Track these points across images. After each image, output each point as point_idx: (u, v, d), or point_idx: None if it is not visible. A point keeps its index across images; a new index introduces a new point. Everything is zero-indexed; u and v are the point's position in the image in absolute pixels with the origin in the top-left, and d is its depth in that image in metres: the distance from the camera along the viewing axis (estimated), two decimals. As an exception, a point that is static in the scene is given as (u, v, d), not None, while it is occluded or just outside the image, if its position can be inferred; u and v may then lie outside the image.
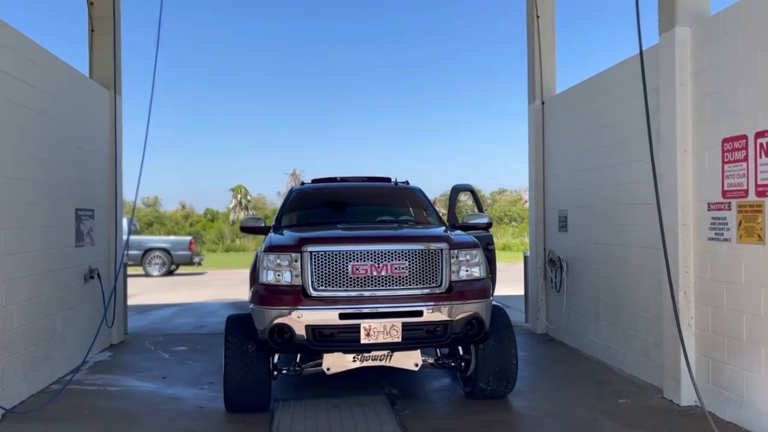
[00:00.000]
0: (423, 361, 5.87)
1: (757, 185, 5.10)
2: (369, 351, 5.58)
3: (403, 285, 5.48)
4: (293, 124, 75.78)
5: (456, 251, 5.66)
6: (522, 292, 11.32)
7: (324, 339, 5.38)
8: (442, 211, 8.55)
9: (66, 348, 7.32)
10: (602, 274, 7.84)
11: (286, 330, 5.34)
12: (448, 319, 5.45)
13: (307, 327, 5.31)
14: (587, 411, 5.92)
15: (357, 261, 5.43)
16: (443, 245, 5.63)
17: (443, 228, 6.71)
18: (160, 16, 7.49)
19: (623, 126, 7.24)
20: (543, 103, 9.68)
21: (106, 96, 8.96)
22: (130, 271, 16.48)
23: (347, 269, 5.42)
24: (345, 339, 5.40)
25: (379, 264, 5.44)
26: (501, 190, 57.91)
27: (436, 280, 5.55)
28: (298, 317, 5.32)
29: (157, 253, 22.28)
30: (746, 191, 5.20)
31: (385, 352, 5.65)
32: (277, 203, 56.74)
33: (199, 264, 23.72)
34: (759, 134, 5.08)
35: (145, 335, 10.03)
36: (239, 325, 5.88)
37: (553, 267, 9.17)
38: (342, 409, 5.97)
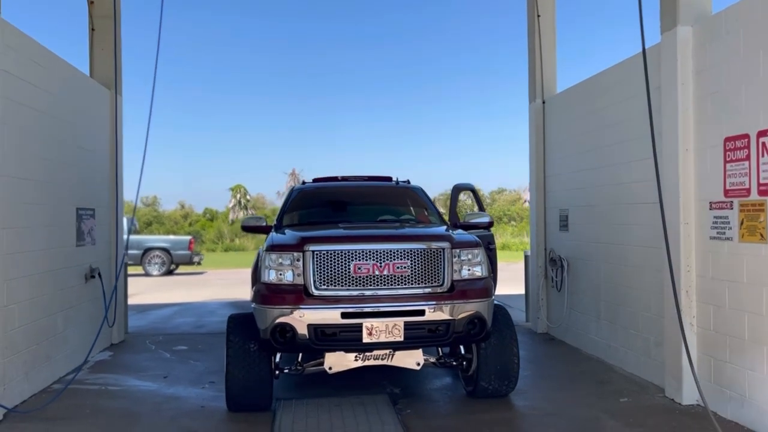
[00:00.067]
0: (425, 360, 5.88)
1: (759, 184, 5.10)
2: (371, 350, 5.57)
3: (405, 284, 5.48)
4: (293, 124, 75.87)
5: (458, 250, 5.66)
6: (522, 292, 11.32)
7: (326, 338, 5.38)
8: (442, 210, 8.56)
9: (67, 347, 7.32)
10: (603, 274, 7.84)
11: (288, 329, 5.34)
12: (450, 318, 5.46)
13: (309, 326, 5.31)
14: (588, 410, 5.92)
15: (359, 260, 5.43)
16: (445, 244, 5.63)
17: (444, 227, 6.71)
18: (161, 16, 7.46)
19: (624, 125, 7.24)
20: (544, 103, 9.68)
21: (106, 95, 8.95)
22: (130, 270, 16.48)
23: (349, 268, 5.42)
24: (347, 338, 5.39)
25: (381, 263, 5.44)
26: (500, 190, 57.96)
27: (438, 280, 5.55)
28: (300, 316, 5.32)
29: (157, 252, 22.27)
30: (748, 190, 5.21)
31: (387, 352, 5.65)
32: (277, 203, 56.84)
33: (199, 263, 23.71)
34: (761, 133, 5.08)
35: (146, 335, 10.02)
36: (241, 324, 5.88)
37: (553, 266, 9.17)
38: (344, 408, 5.97)
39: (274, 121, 75.87)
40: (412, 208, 7.72)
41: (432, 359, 6.16)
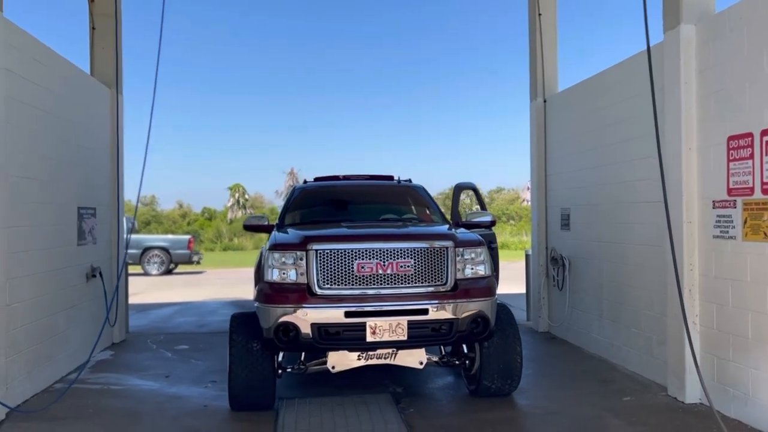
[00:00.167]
0: (427, 359, 5.87)
1: (762, 183, 5.10)
2: (374, 349, 5.57)
3: (408, 283, 5.47)
4: (292, 124, 75.90)
5: (461, 249, 5.66)
6: (522, 291, 11.33)
7: (329, 337, 5.37)
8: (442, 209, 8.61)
9: (69, 347, 7.30)
10: (605, 272, 7.84)
11: (291, 328, 5.33)
12: (454, 317, 5.45)
13: (313, 325, 5.30)
14: (591, 409, 5.92)
15: (362, 259, 5.42)
16: (448, 243, 5.62)
17: (447, 226, 6.71)
18: (162, 15, 7.44)
19: (626, 124, 7.24)
20: (545, 101, 9.68)
21: (107, 94, 8.93)
22: (129, 270, 16.44)
23: (353, 267, 5.41)
24: (350, 337, 5.39)
25: (384, 262, 5.43)
26: (499, 189, 58.01)
27: (442, 279, 5.54)
28: (304, 315, 5.31)
29: (156, 251, 22.25)
30: (752, 189, 5.21)
31: (390, 351, 5.65)
32: (275, 202, 56.86)
33: (198, 263, 23.68)
34: (765, 132, 5.08)
35: (147, 334, 10.01)
36: (244, 323, 5.87)
37: (555, 265, 9.17)
38: (346, 407, 5.96)
39: (273, 120, 75.92)
40: (414, 207, 7.71)
41: (435, 358, 6.16)
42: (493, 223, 7.22)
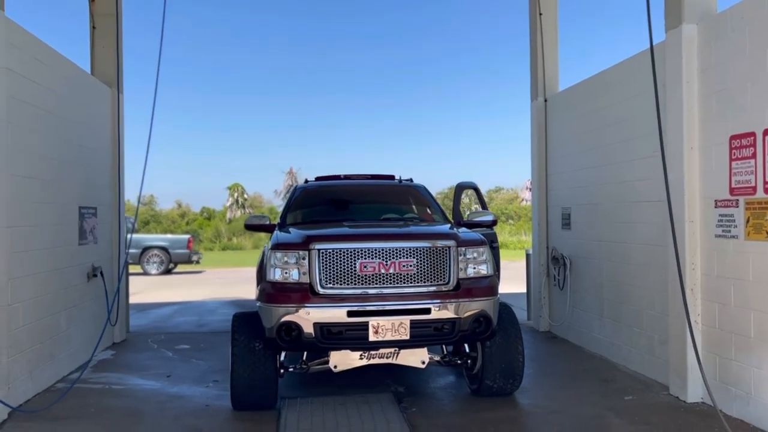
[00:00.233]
0: (429, 358, 5.87)
1: (765, 182, 5.10)
2: (377, 349, 5.57)
3: (410, 282, 5.47)
4: (291, 123, 75.89)
5: (464, 249, 5.66)
6: (522, 290, 11.33)
7: (332, 336, 5.36)
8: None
9: (71, 346, 7.30)
10: (606, 272, 7.85)
11: (293, 327, 5.33)
12: (456, 316, 5.45)
13: (315, 325, 5.30)
14: (593, 408, 5.92)
15: (365, 258, 5.42)
16: (451, 243, 5.62)
17: (448, 225, 6.71)
18: (164, 14, 7.43)
19: (627, 123, 7.24)
20: (546, 101, 9.68)
21: (108, 93, 8.92)
22: (128, 269, 16.42)
23: (355, 267, 5.41)
24: (353, 336, 5.38)
25: (387, 261, 5.43)
26: (497, 188, 58.10)
27: (444, 278, 5.54)
28: (306, 315, 5.31)
29: (155, 251, 22.23)
30: (754, 188, 5.21)
31: (392, 350, 5.65)
32: (274, 202, 56.85)
33: (198, 262, 23.67)
34: (767, 131, 5.08)
35: (147, 333, 10.00)
36: (246, 323, 5.86)
37: (556, 264, 9.17)
38: (348, 406, 5.96)
39: (272, 120, 76.00)
40: (415, 206, 7.71)
41: (436, 358, 6.16)
42: (494, 223, 7.22)
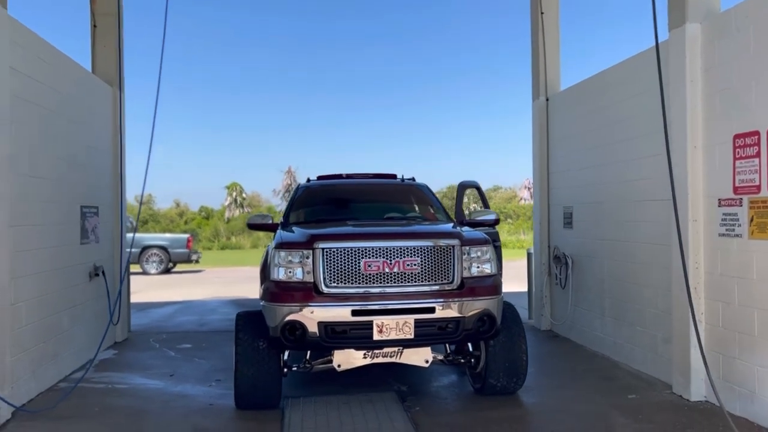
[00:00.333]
0: (433, 357, 5.87)
1: (769, 181, 5.11)
2: (381, 348, 5.56)
3: (414, 281, 5.47)
4: (291, 122, 75.94)
5: (467, 248, 5.66)
6: (522, 289, 11.34)
7: (336, 336, 5.36)
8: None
9: (73, 345, 7.29)
10: (608, 271, 7.85)
11: (298, 327, 5.32)
12: (460, 315, 5.45)
13: (320, 324, 5.30)
14: (597, 406, 5.93)
15: (369, 258, 5.41)
16: (455, 242, 5.62)
17: (451, 224, 6.70)
18: (166, 13, 7.40)
19: (630, 122, 7.24)
20: (547, 100, 9.68)
21: (109, 92, 8.91)
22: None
23: (359, 266, 5.41)
24: (357, 336, 5.38)
25: (391, 261, 5.43)
26: (496, 188, 58.18)
27: (448, 277, 5.54)
28: (311, 314, 5.30)
29: (155, 250, 22.19)
30: (758, 187, 5.21)
31: (396, 349, 5.65)
32: (272, 201, 56.80)
33: (197, 262, 23.64)
34: (771, 130, 5.09)
35: (149, 333, 9.99)
36: (250, 322, 5.86)
37: (558, 263, 9.18)
38: (352, 406, 5.96)
39: (271, 119, 75.98)
40: (418, 205, 7.70)
41: (440, 356, 6.16)
42: (496, 222, 7.23)
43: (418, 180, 8.18)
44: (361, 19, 74.54)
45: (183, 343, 9.13)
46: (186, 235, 23.69)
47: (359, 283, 5.41)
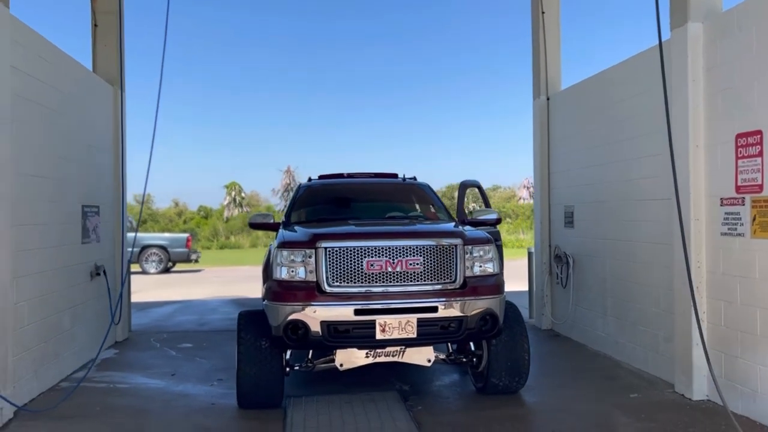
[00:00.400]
0: (435, 356, 5.88)
1: (771, 180, 5.11)
2: (383, 347, 5.57)
3: (417, 281, 5.47)
4: (290, 122, 75.95)
5: (470, 247, 5.66)
6: (521, 288, 11.33)
7: (339, 335, 5.36)
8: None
9: (75, 345, 7.29)
10: (610, 270, 7.85)
11: (300, 326, 5.32)
12: (463, 314, 5.45)
13: (323, 323, 5.29)
14: (599, 405, 5.93)
15: (372, 257, 5.41)
16: (457, 241, 5.62)
17: (453, 224, 6.70)
18: (167, 13, 7.39)
19: (632, 122, 7.25)
20: (548, 99, 9.68)
21: (110, 91, 8.90)
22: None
23: (362, 265, 5.40)
24: (360, 335, 5.38)
25: (393, 260, 5.43)
26: (495, 187, 58.19)
27: (451, 276, 5.54)
28: (313, 313, 5.30)
29: (154, 250, 22.17)
30: (761, 186, 5.22)
31: (398, 348, 5.65)
32: (271, 200, 56.79)
33: (196, 261, 23.63)
34: (774, 129, 5.10)
35: (149, 332, 9.98)
36: (252, 321, 5.85)
37: (559, 263, 9.18)
38: (354, 405, 5.96)
39: (269, 118, 76.00)
40: (419, 204, 7.71)
41: (442, 356, 6.17)
42: (498, 221, 7.24)
43: (419, 179, 8.18)
44: (361, 19, 74.69)
45: (183, 343, 9.12)
46: (185, 235, 23.67)
47: (362, 283, 5.40)
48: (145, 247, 21.97)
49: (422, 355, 5.78)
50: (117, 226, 9.02)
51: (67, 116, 7.23)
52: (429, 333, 5.44)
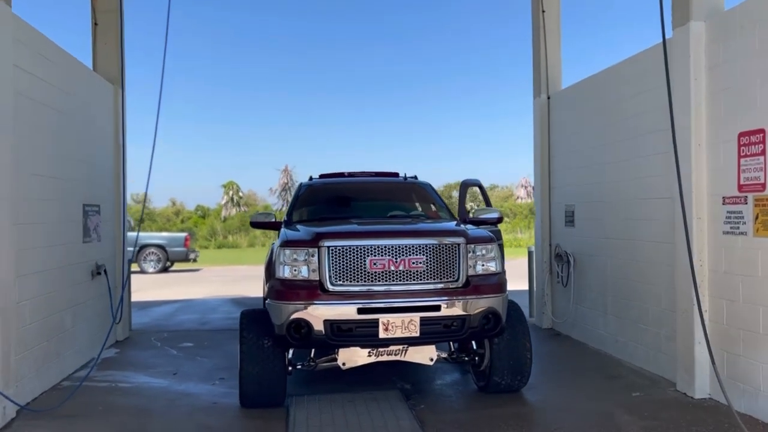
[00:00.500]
0: (437, 355, 5.88)
1: (774, 179, 5.12)
2: (386, 346, 5.57)
3: (420, 279, 5.47)
4: (289, 121, 75.93)
5: (473, 245, 5.66)
6: (521, 288, 11.32)
7: (342, 334, 5.36)
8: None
9: (76, 344, 7.28)
10: (611, 269, 7.86)
11: (303, 325, 5.32)
12: (465, 313, 5.45)
13: (326, 322, 5.29)
14: (602, 404, 5.94)
15: (375, 256, 5.41)
16: (460, 240, 5.62)
17: (455, 222, 6.70)
18: (168, 13, 7.37)
19: (634, 120, 7.25)
20: (549, 98, 9.69)
21: (110, 90, 8.88)
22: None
23: (365, 264, 5.40)
24: (363, 334, 5.37)
25: (396, 259, 5.43)
26: (492, 186, 58.18)
27: (453, 275, 5.54)
28: (316, 312, 5.30)
29: (153, 249, 22.13)
30: (763, 185, 5.23)
31: (401, 347, 5.66)
32: (269, 200, 56.75)
33: (195, 260, 23.59)
34: (777, 128, 5.11)
35: (150, 332, 9.97)
36: (254, 320, 5.85)
37: (559, 262, 9.19)
38: (357, 404, 5.96)
39: (268, 117, 76.01)
40: (421, 203, 7.71)
41: (444, 355, 6.17)
42: (500, 220, 7.22)
43: (419, 179, 8.17)
44: (361, 20, 74.61)
45: (184, 342, 9.11)
46: (184, 234, 23.64)
47: (364, 281, 5.40)
48: (143, 247, 21.92)
49: (424, 354, 5.79)
50: (117, 225, 9.01)
51: (68, 115, 7.22)
52: (432, 332, 5.45)
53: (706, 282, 5.93)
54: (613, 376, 6.93)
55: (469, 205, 37.98)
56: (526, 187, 55.33)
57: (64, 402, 5.89)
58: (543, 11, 9.61)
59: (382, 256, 5.42)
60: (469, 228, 6.14)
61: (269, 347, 5.66)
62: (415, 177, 8.17)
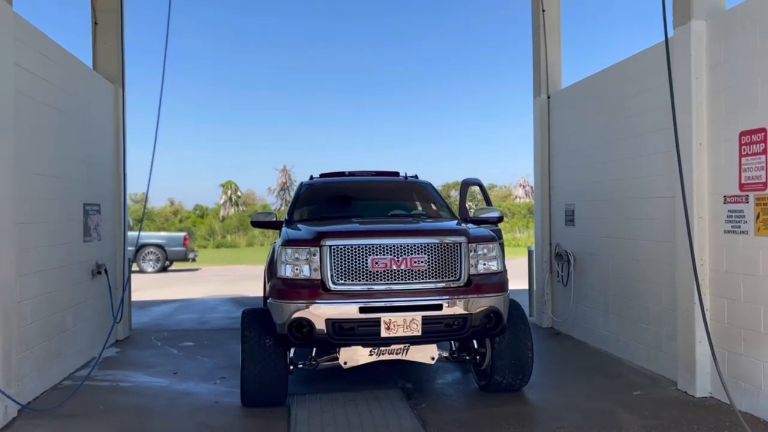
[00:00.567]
0: (438, 354, 5.88)
1: (775, 178, 5.13)
2: (388, 344, 5.57)
3: (422, 279, 5.47)
4: (288, 121, 75.86)
5: (474, 245, 5.66)
6: (521, 287, 11.32)
7: (344, 333, 5.36)
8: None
9: (77, 343, 7.27)
10: (612, 268, 7.87)
11: (305, 324, 5.32)
12: (467, 312, 5.45)
13: (327, 321, 5.29)
14: (603, 403, 5.94)
15: (376, 255, 5.41)
16: (462, 239, 5.62)
17: (456, 222, 6.71)
18: (169, 14, 7.36)
19: (635, 119, 7.26)
20: (549, 98, 9.69)
21: (110, 89, 8.88)
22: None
23: (367, 263, 5.40)
24: (365, 333, 5.37)
25: (398, 258, 5.43)
26: (491, 186, 58.15)
27: (455, 274, 5.54)
28: (318, 311, 5.30)
29: (152, 249, 22.12)
30: (764, 184, 5.24)
31: (402, 346, 5.65)
32: (267, 199, 56.73)
33: (194, 260, 23.57)
34: (778, 127, 5.11)
35: (150, 331, 9.97)
36: (256, 319, 5.85)
37: (560, 261, 9.20)
38: (358, 403, 5.96)
39: (267, 117, 75.92)
40: (421, 202, 7.71)
41: (445, 354, 6.17)
42: (500, 219, 7.23)
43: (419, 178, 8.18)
44: (361, 20, 74.55)
45: (185, 341, 9.10)
46: (183, 233, 23.63)
47: (366, 280, 5.40)
48: (142, 246, 21.90)
49: (426, 353, 5.78)
50: (118, 225, 9.01)
51: (68, 114, 7.21)
52: (433, 331, 5.45)
53: (707, 281, 5.93)
54: (613, 375, 6.93)
55: (468, 204, 38.02)
56: (524, 187, 55.33)
57: (65, 401, 5.89)
58: (543, 11, 9.62)
59: (383, 255, 5.42)
60: (471, 227, 6.15)
61: (271, 346, 5.66)
62: (416, 176, 8.17)
